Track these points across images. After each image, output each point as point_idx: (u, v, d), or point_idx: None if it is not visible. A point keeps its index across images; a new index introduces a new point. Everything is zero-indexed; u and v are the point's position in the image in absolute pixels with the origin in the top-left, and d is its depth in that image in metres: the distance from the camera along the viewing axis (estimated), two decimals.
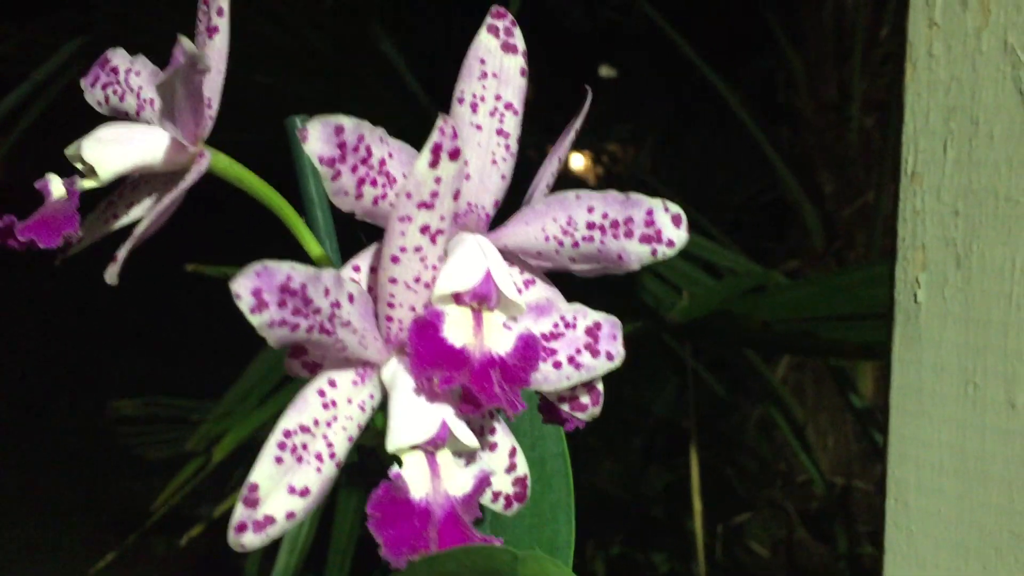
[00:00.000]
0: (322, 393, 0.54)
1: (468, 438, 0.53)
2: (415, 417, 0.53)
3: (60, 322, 5.42)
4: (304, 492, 0.53)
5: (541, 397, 0.62)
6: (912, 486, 0.85)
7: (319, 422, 0.54)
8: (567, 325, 0.57)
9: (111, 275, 0.57)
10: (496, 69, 0.58)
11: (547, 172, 0.63)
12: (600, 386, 0.60)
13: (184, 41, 0.53)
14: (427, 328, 0.53)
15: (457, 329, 0.53)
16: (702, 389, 2.35)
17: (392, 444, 0.52)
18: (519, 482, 0.61)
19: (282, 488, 0.52)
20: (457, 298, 0.54)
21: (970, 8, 0.79)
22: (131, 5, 2.13)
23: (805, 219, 2.74)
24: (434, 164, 0.51)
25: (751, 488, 2.80)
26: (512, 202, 0.62)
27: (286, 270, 0.47)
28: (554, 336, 0.56)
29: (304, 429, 0.53)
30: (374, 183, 0.54)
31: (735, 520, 2.69)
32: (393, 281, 0.53)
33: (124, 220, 0.65)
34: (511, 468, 0.60)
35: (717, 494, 2.48)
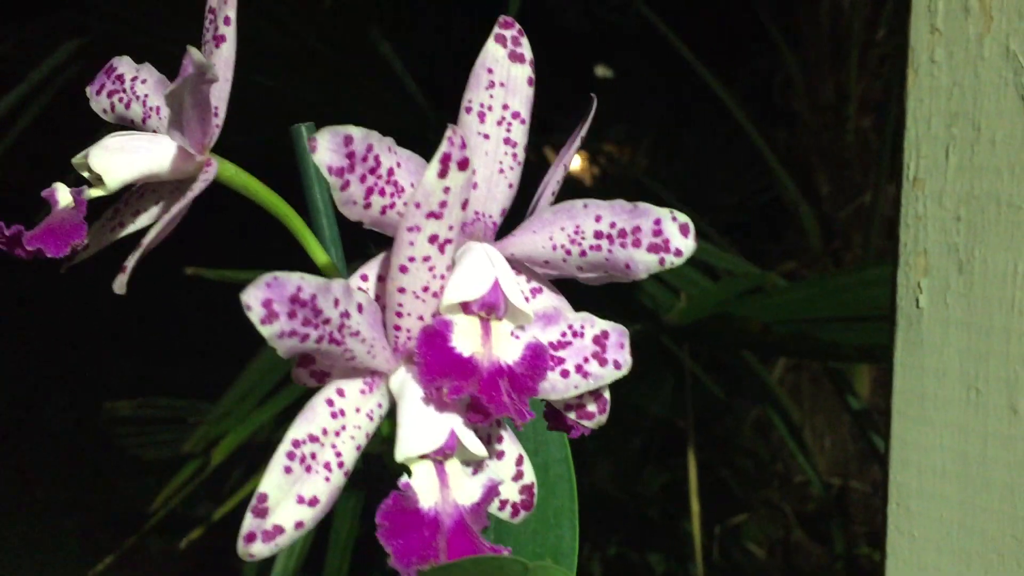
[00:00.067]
0: (330, 402, 0.54)
1: (477, 447, 0.54)
2: (424, 426, 0.53)
3: (56, 322, 5.40)
4: (313, 502, 0.53)
5: (547, 404, 0.62)
6: (914, 491, 0.86)
7: (327, 431, 0.54)
8: (575, 334, 0.57)
9: (120, 284, 0.57)
10: (503, 78, 0.58)
11: (552, 180, 0.63)
12: (607, 394, 0.61)
13: (193, 51, 0.53)
14: (436, 337, 0.53)
15: (465, 338, 0.54)
16: (699, 390, 2.35)
17: (401, 453, 0.52)
18: (526, 490, 0.61)
19: (291, 498, 0.52)
20: (465, 307, 0.54)
21: (972, 14, 0.79)
22: (128, 6, 2.13)
23: (802, 220, 2.75)
24: (443, 174, 0.51)
25: (748, 489, 2.80)
26: (515, 208, 0.62)
27: (296, 281, 0.47)
28: (562, 345, 0.57)
29: (313, 439, 0.53)
30: (382, 193, 0.54)
31: (732, 521, 2.69)
32: (402, 291, 0.53)
33: (130, 228, 0.65)
34: (518, 476, 0.60)
35: (714, 495, 2.49)
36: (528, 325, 0.56)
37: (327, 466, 0.53)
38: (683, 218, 0.55)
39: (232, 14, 0.60)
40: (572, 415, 0.61)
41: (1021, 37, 0.77)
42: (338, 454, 0.54)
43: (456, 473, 0.54)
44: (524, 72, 0.58)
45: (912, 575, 0.86)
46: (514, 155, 0.59)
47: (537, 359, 0.54)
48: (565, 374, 0.56)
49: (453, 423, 0.53)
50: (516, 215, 0.62)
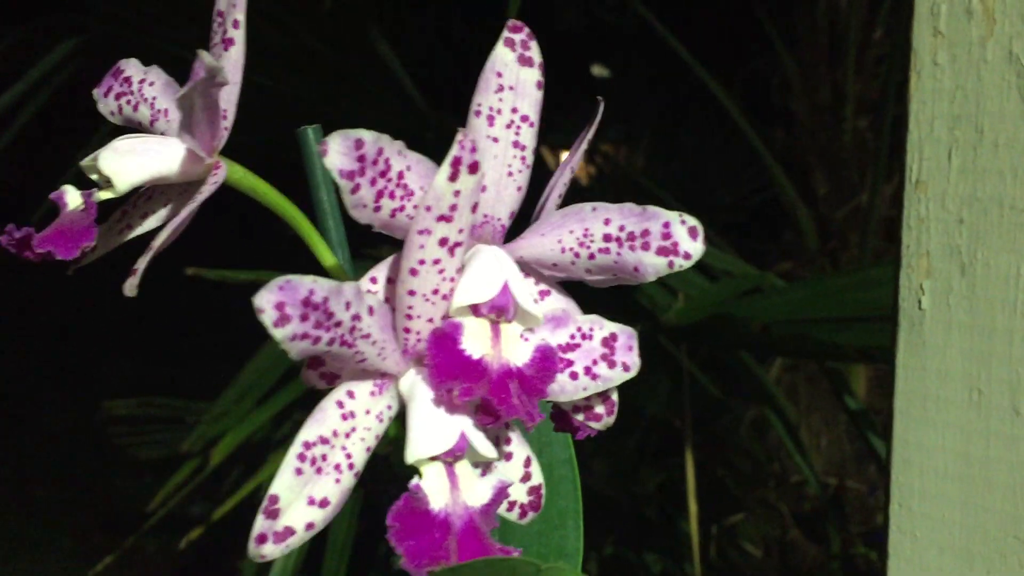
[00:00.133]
0: (341, 404, 0.54)
1: (487, 449, 0.54)
2: (434, 428, 0.53)
3: (54, 322, 5.40)
4: (324, 503, 0.53)
5: (554, 406, 0.62)
6: (916, 491, 0.86)
7: (338, 433, 0.54)
8: (584, 336, 0.57)
9: (131, 287, 0.57)
10: (513, 82, 0.58)
11: (559, 183, 0.63)
12: (615, 396, 0.61)
13: (204, 55, 0.53)
14: (445, 340, 0.53)
15: (475, 341, 0.54)
16: (695, 390, 2.35)
17: (412, 455, 0.53)
18: (534, 491, 0.61)
19: (302, 499, 0.53)
20: (475, 310, 0.54)
21: (975, 18, 0.80)
22: (127, 6, 2.12)
23: (799, 220, 2.75)
24: (453, 178, 0.51)
25: (744, 488, 2.81)
26: (519, 210, 0.63)
27: (308, 284, 0.47)
28: (571, 347, 0.57)
29: (323, 440, 0.53)
30: (392, 196, 0.54)
31: (729, 520, 2.70)
32: (412, 293, 0.53)
33: (139, 230, 0.65)
34: (526, 478, 0.61)
35: (711, 495, 2.49)
36: (537, 327, 0.56)
37: (337, 467, 0.54)
38: (692, 221, 0.56)
39: (241, 18, 0.60)
40: (580, 417, 0.61)
41: None
42: (348, 456, 0.54)
43: (466, 475, 0.54)
44: (533, 76, 0.59)
45: (914, 575, 0.86)
46: (523, 158, 0.60)
47: (546, 361, 0.55)
48: (574, 376, 0.57)
49: (463, 425, 0.53)
50: (520, 217, 0.62)
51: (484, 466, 0.55)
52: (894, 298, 0.86)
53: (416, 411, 0.54)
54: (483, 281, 0.55)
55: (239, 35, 0.60)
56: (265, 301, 0.46)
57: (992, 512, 0.81)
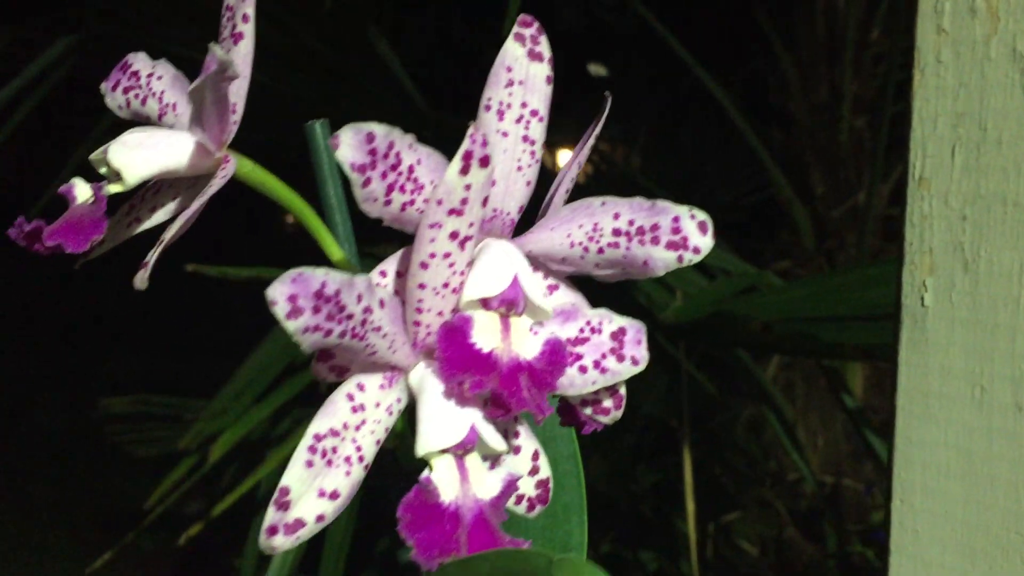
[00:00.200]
0: (351, 397, 0.55)
1: (497, 442, 0.54)
2: (444, 421, 0.53)
3: (51, 319, 5.39)
4: (334, 495, 0.53)
5: (561, 400, 0.62)
6: (918, 488, 0.86)
7: (348, 426, 0.54)
8: (593, 330, 0.57)
9: (141, 280, 0.57)
10: (522, 77, 0.58)
11: (566, 178, 0.64)
12: (623, 390, 0.61)
13: (216, 48, 0.53)
14: (456, 333, 0.54)
15: (485, 334, 0.54)
16: (692, 388, 2.36)
17: (422, 448, 0.53)
18: (542, 485, 0.61)
19: (312, 491, 0.53)
20: (485, 303, 0.55)
21: (979, 15, 0.80)
22: (126, 4, 2.12)
23: (796, 219, 2.76)
24: (465, 171, 0.51)
25: (741, 487, 2.82)
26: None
27: (321, 276, 0.48)
28: (580, 341, 0.57)
29: (334, 433, 0.54)
30: (403, 190, 0.54)
31: (725, 519, 2.70)
32: (422, 287, 0.53)
33: (147, 224, 0.65)
34: (534, 471, 0.61)
35: (707, 493, 2.49)
36: (547, 321, 0.56)
37: (347, 460, 0.54)
38: (702, 215, 0.56)
39: (250, 11, 0.60)
40: (588, 410, 0.61)
41: None
42: (358, 448, 0.54)
43: (476, 468, 0.54)
44: (543, 70, 0.59)
45: (916, 571, 0.87)
46: (532, 152, 0.60)
47: (556, 355, 0.55)
48: (583, 370, 0.57)
49: (473, 418, 0.54)
50: (526, 212, 0.63)
51: (493, 459, 0.56)
52: (897, 295, 0.87)
53: (426, 404, 0.54)
54: (493, 275, 0.55)
55: (248, 28, 0.60)
56: (278, 293, 0.46)
57: (994, 508, 0.82)
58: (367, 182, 0.52)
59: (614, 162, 3.48)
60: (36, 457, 4.31)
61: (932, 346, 0.84)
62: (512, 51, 0.58)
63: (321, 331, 0.48)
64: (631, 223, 0.57)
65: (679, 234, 0.56)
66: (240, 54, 0.61)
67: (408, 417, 0.58)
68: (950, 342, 0.83)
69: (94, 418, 2.69)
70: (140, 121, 0.66)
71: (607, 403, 0.61)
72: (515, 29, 0.58)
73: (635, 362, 0.57)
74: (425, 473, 0.53)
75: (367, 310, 0.50)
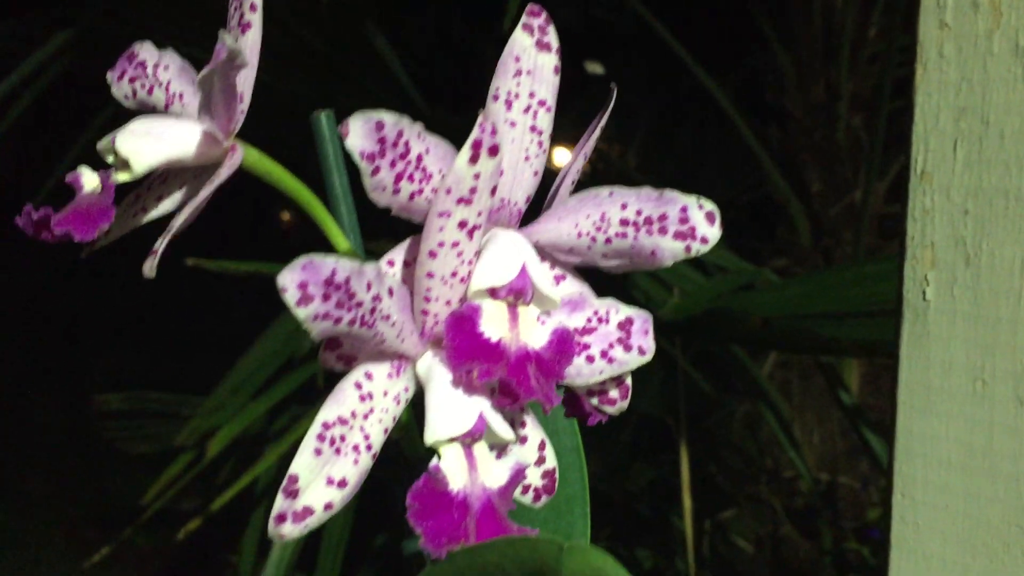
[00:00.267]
0: (359, 386, 0.55)
1: (504, 430, 0.54)
2: (453, 410, 0.53)
3: (46, 315, 5.38)
4: (342, 483, 0.53)
5: (567, 390, 0.63)
6: (919, 482, 0.86)
7: (356, 414, 0.54)
8: (600, 320, 0.57)
9: (150, 267, 0.57)
10: (530, 67, 0.58)
11: (572, 169, 0.64)
12: (629, 381, 0.61)
13: (225, 36, 0.53)
14: (464, 322, 0.54)
15: (493, 323, 0.54)
16: (688, 385, 2.36)
17: (431, 436, 0.53)
18: (548, 475, 0.61)
19: (321, 479, 0.53)
20: (493, 293, 0.55)
21: (981, 10, 0.80)
22: (123, 3, 2.12)
23: (793, 217, 2.76)
24: (474, 160, 0.51)
25: (737, 484, 2.82)
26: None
27: (331, 264, 0.48)
28: (587, 331, 0.57)
29: (342, 421, 0.54)
30: (411, 179, 0.54)
31: (720, 516, 2.71)
32: (430, 276, 0.54)
33: (154, 213, 0.65)
34: (540, 461, 0.61)
35: (703, 490, 2.50)
36: (554, 311, 0.56)
37: (356, 448, 0.54)
38: (709, 206, 0.56)
39: (258, 1, 0.60)
40: (594, 400, 0.61)
41: None
42: (366, 436, 0.55)
43: (484, 457, 0.54)
44: (551, 61, 0.59)
45: (916, 564, 0.87)
46: (539, 142, 0.60)
47: (564, 344, 0.55)
48: (590, 359, 0.57)
49: (481, 406, 0.54)
50: (531, 203, 0.63)
51: (500, 449, 0.56)
52: (898, 289, 0.87)
53: (434, 393, 0.54)
54: (501, 264, 0.55)
55: (256, 18, 0.60)
56: (288, 280, 0.46)
57: (995, 502, 0.82)
58: (376, 171, 0.52)
59: (611, 160, 3.48)
60: (32, 454, 4.30)
61: (933, 340, 0.85)
62: (521, 41, 0.58)
63: (331, 318, 0.48)
64: (639, 213, 0.57)
65: (687, 224, 0.56)
66: (248, 43, 0.61)
67: (413, 408, 0.58)
68: (952, 336, 0.83)
69: (90, 414, 2.68)
70: (146, 111, 0.66)
71: (613, 393, 0.61)
72: (523, 19, 0.58)
73: (642, 352, 0.57)
74: (434, 461, 0.53)
75: (376, 298, 0.51)
